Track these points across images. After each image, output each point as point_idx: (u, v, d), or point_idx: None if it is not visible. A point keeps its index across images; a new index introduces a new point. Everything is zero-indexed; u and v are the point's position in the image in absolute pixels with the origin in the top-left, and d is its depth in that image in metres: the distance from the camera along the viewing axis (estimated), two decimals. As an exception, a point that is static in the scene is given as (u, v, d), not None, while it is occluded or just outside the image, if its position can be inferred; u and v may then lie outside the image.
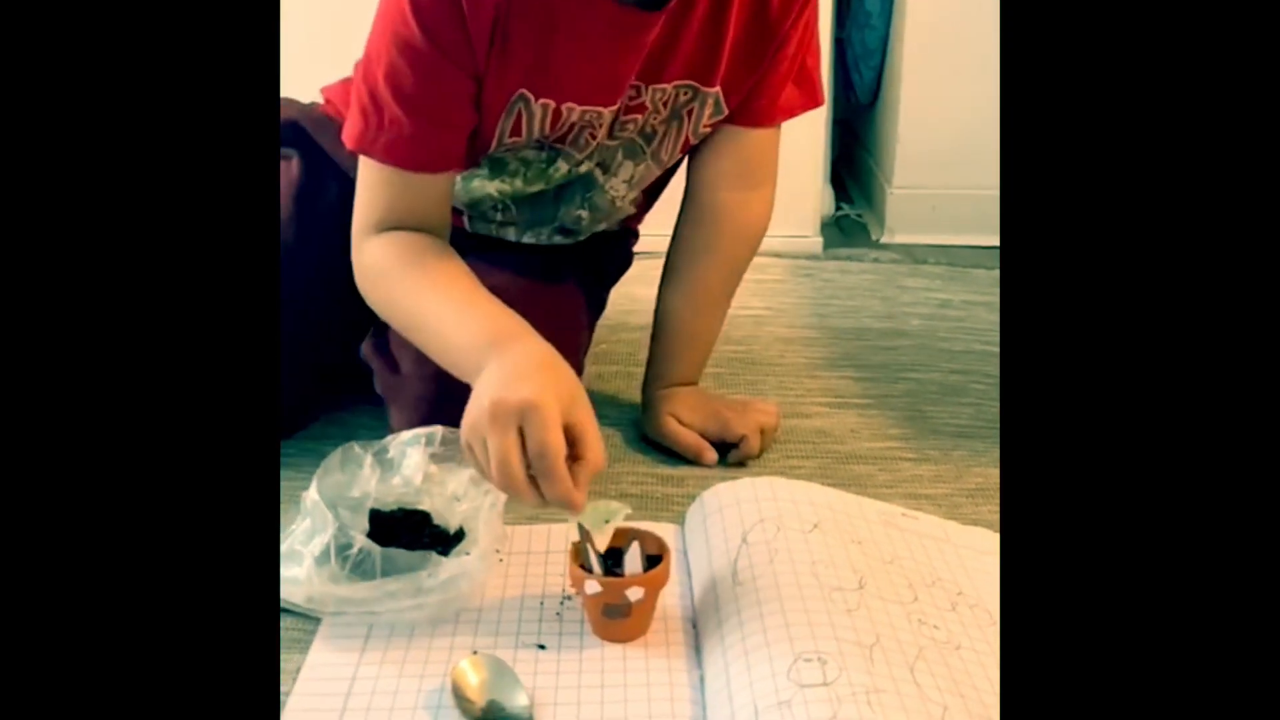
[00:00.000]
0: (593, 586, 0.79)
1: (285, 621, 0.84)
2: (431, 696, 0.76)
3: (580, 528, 0.80)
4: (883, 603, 0.80)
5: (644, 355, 1.33)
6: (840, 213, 1.89)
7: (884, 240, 1.78)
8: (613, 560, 0.83)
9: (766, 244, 1.69)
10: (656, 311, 1.13)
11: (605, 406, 1.19)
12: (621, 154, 1.05)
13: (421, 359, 0.96)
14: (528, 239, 1.13)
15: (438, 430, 0.93)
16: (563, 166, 1.04)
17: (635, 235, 1.26)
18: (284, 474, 1.01)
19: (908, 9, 1.72)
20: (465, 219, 1.12)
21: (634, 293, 1.50)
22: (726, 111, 1.03)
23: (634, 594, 0.79)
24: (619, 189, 1.08)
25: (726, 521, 0.89)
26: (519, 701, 0.73)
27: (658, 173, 1.10)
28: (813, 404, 1.22)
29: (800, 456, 1.11)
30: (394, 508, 0.92)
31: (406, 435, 0.93)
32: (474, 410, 0.77)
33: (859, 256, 1.68)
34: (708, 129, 1.05)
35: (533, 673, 0.78)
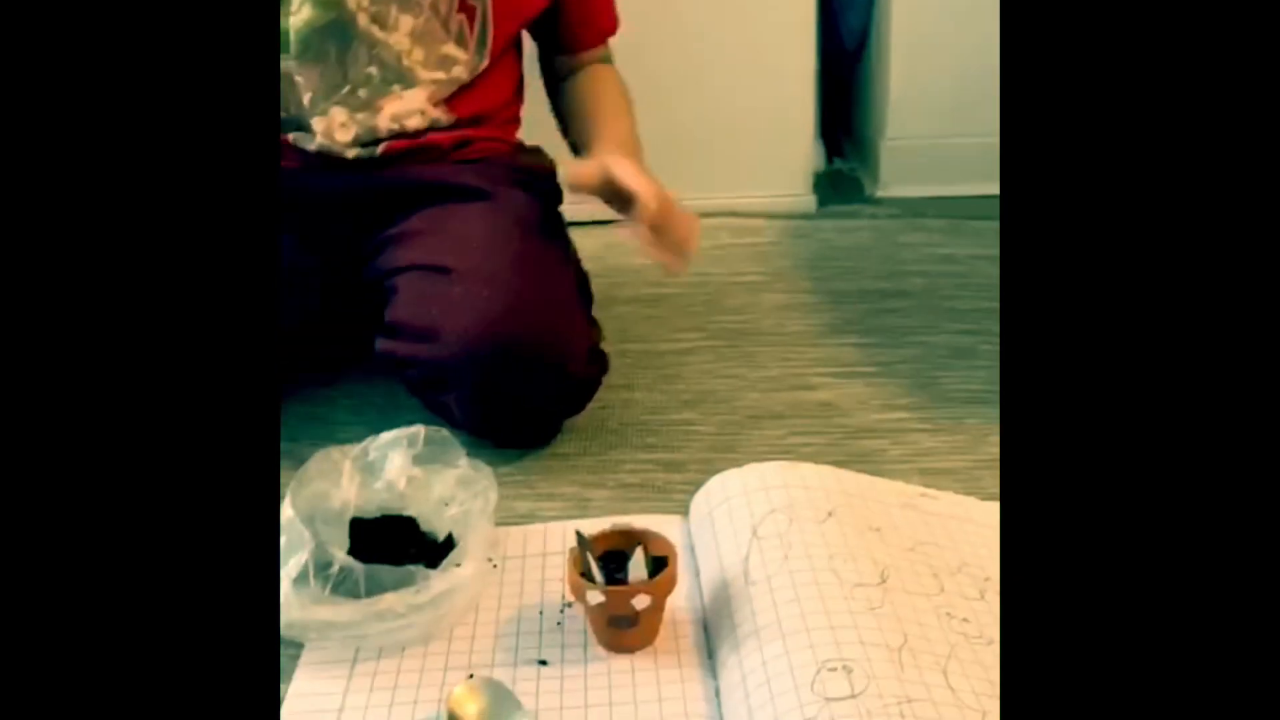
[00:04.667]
0: (595, 597, 0.73)
1: (266, 647, 0.78)
2: (426, 726, 0.70)
3: (579, 534, 0.75)
4: (908, 596, 0.74)
5: (637, 331, 1.27)
6: (832, 167, 1.82)
7: (879, 194, 1.71)
8: (615, 564, 0.77)
9: (757, 204, 1.64)
10: (574, 149, 1.12)
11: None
12: (395, 7, 1.03)
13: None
14: (326, 139, 1.06)
15: (420, 430, 0.87)
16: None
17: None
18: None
19: (894, -51, 1.64)
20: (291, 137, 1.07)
21: (621, 264, 1.44)
22: None
23: (640, 603, 0.73)
24: (403, 43, 1.05)
25: (734, 513, 0.83)
26: (521, 729, 0.67)
27: (442, 33, 1.06)
28: (817, 375, 1.16)
29: (808, 432, 1.05)
30: (378, 514, 0.86)
31: (387, 437, 0.87)
32: None
33: (855, 214, 1.61)
34: None
35: (534, 693, 0.72)
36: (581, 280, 1.10)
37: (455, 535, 0.83)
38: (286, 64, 1.05)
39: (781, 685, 0.66)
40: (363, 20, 1.04)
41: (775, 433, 1.05)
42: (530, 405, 0.99)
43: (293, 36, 1.04)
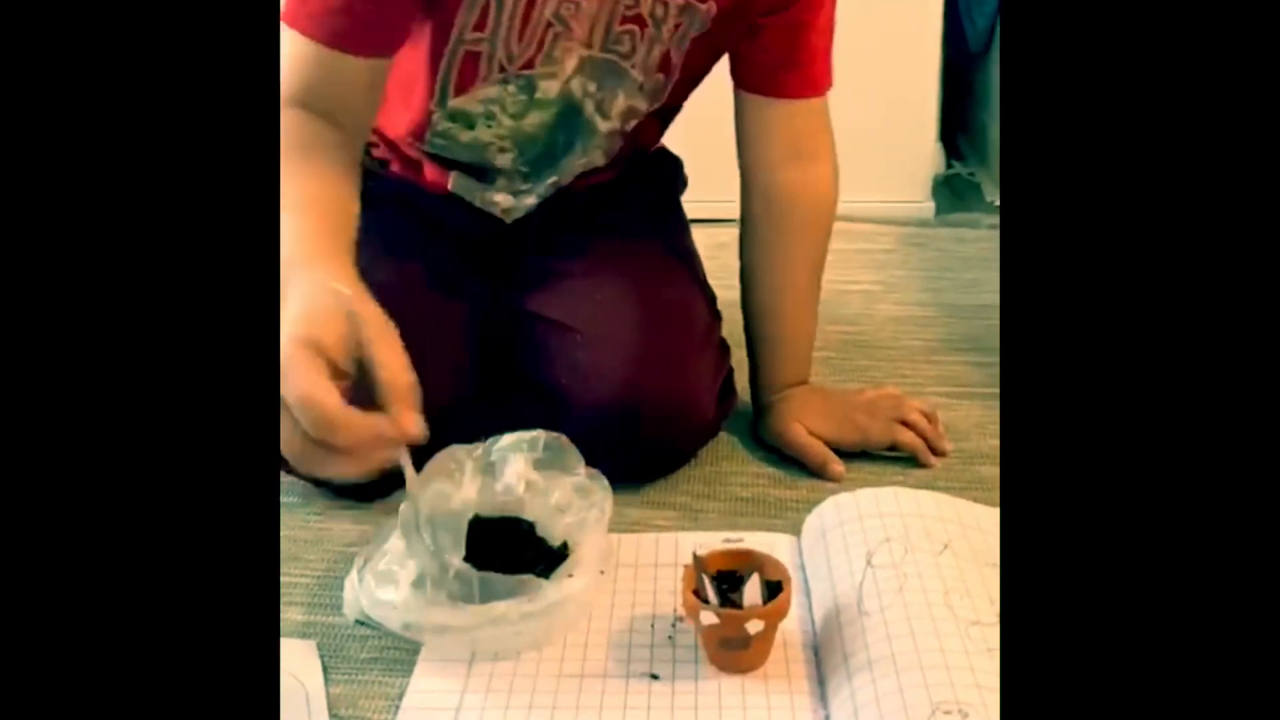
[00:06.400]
0: (709, 618, 0.74)
1: (387, 641, 0.80)
2: (539, 734, 0.72)
3: (695, 555, 0.75)
4: (1024, 638, 0.73)
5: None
6: (951, 171, 1.79)
7: (1000, 202, 1.68)
8: (729, 584, 0.77)
9: (875, 210, 1.63)
10: (745, 315, 1.07)
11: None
12: (612, 83, 0.95)
13: None
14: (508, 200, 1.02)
15: (540, 435, 0.88)
16: (550, 87, 0.94)
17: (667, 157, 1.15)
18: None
19: (1029, -47, 1.60)
20: (450, 179, 1.01)
21: (733, 264, 1.44)
22: (706, 24, 0.93)
23: (753, 627, 0.73)
24: (612, 124, 0.98)
25: (849, 539, 0.83)
26: None
27: (643, 107, 0.98)
28: (932, 393, 1.14)
29: (921, 454, 1.04)
30: (498, 515, 0.87)
31: (508, 439, 0.89)
32: None
33: (974, 222, 1.58)
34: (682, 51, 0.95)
35: (646, 707, 0.73)
36: (710, 298, 1.07)
37: (569, 543, 0.85)
38: (483, 135, 0.97)
39: (895, 724, 0.66)
40: (589, 108, 0.96)
41: (887, 458, 1.03)
42: (658, 455, 1.00)
43: (511, 136, 0.97)
